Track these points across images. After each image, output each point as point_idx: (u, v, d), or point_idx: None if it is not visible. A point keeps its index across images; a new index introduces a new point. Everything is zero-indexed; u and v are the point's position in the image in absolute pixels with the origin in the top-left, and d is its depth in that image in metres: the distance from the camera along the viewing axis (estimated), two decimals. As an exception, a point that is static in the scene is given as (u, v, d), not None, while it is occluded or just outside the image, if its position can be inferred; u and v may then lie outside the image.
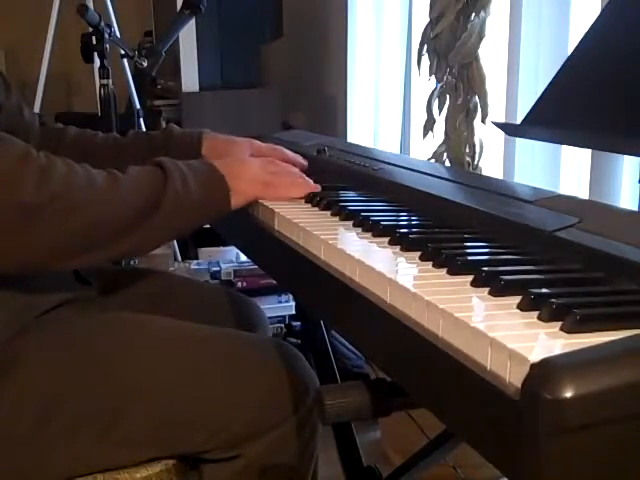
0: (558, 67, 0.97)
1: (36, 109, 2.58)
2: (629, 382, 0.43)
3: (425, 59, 1.88)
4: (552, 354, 0.45)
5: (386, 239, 0.76)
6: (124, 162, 0.93)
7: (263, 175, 0.97)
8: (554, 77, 0.97)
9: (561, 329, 0.51)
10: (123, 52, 2.00)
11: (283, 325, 2.39)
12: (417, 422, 1.59)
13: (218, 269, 2.41)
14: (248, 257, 1.33)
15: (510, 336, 0.49)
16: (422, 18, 2.02)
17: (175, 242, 2.74)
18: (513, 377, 0.46)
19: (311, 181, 1.01)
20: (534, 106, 0.98)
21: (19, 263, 0.82)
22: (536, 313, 0.54)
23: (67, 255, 0.84)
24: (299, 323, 2.35)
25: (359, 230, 0.82)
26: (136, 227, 0.85)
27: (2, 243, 0.79)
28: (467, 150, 1.80)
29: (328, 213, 0.90)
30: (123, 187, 0.85)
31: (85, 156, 0.93)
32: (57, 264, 0.85)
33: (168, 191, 0.87)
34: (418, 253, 0.70)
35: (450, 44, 1.77)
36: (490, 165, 1.83)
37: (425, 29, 1.86)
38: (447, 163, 1.85)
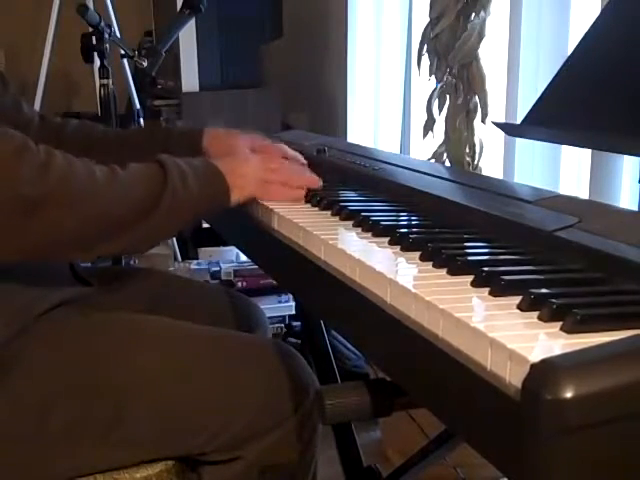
0: (558, 67, 0.97)
1: (36, 109, 2.58)
2: (629, 382, 0.43)
3: (425, 59, 1.88)
4: (552, 354, 0.45)
5: (386, 239, 0.76)
6: (124, 155, 0.92)
7: (263, 172, 0.97)
8: (554, 77, 0.97)
9: (561, 329, 0.51)
10: (123, 52, 2.00)
11: (283, 325, 2.39)
12: (417, 422, 1.59)
13: (218, 269, 2.41)
14: (248, 257, 1.33)
15: (510, 336, 0.49)
16: (422, 18, 2.02)
17: (175, 242, 2.74)
18: (513, 377, 0.46)
19: (314, 175, 1.01)
20: (534, 106, 0.98)
21: (19, 254, 0.82)
22: (536, 313, 0.54)
23: (66, 249, 0.84)
24: (299, 323, 2.35)
25: (359, 230, 0.82)
26: (134, 224, 0.85)
27: (1, 236, 0.79)
28: (467, 150, 1.79)
29: (328, 213, 0.90)
30: (123, 182, 0.85)
31: (85, 149, 0.93)
32: (56, 257, 0.85)
33: (167, 188, 0.86)
34: (418, 253, 0.70)
35: (450, 44, 1.77)
36: (490, 165, 1.82)
37: (425, 29, 1.86)
38: (447, 163, 1.84)
